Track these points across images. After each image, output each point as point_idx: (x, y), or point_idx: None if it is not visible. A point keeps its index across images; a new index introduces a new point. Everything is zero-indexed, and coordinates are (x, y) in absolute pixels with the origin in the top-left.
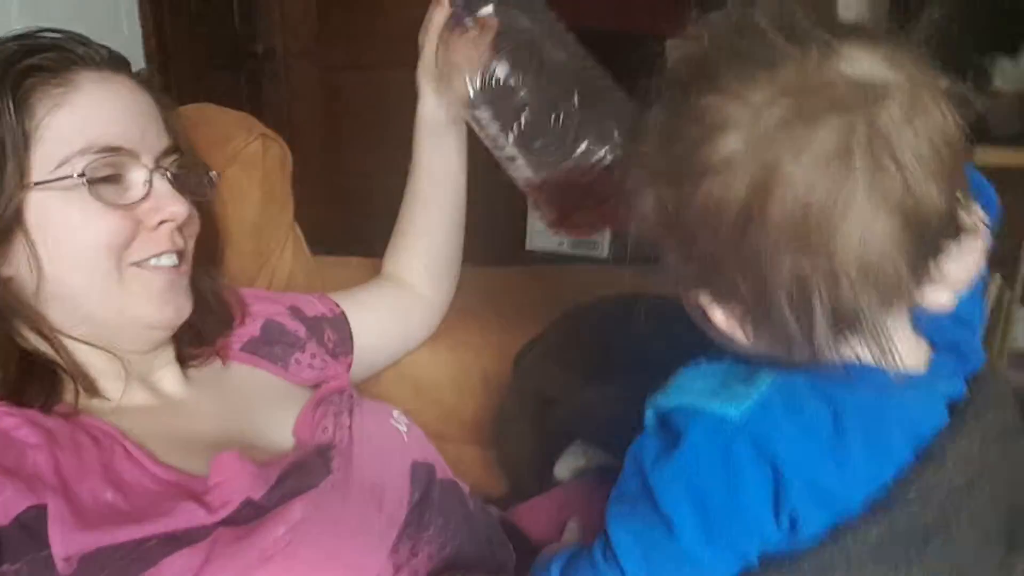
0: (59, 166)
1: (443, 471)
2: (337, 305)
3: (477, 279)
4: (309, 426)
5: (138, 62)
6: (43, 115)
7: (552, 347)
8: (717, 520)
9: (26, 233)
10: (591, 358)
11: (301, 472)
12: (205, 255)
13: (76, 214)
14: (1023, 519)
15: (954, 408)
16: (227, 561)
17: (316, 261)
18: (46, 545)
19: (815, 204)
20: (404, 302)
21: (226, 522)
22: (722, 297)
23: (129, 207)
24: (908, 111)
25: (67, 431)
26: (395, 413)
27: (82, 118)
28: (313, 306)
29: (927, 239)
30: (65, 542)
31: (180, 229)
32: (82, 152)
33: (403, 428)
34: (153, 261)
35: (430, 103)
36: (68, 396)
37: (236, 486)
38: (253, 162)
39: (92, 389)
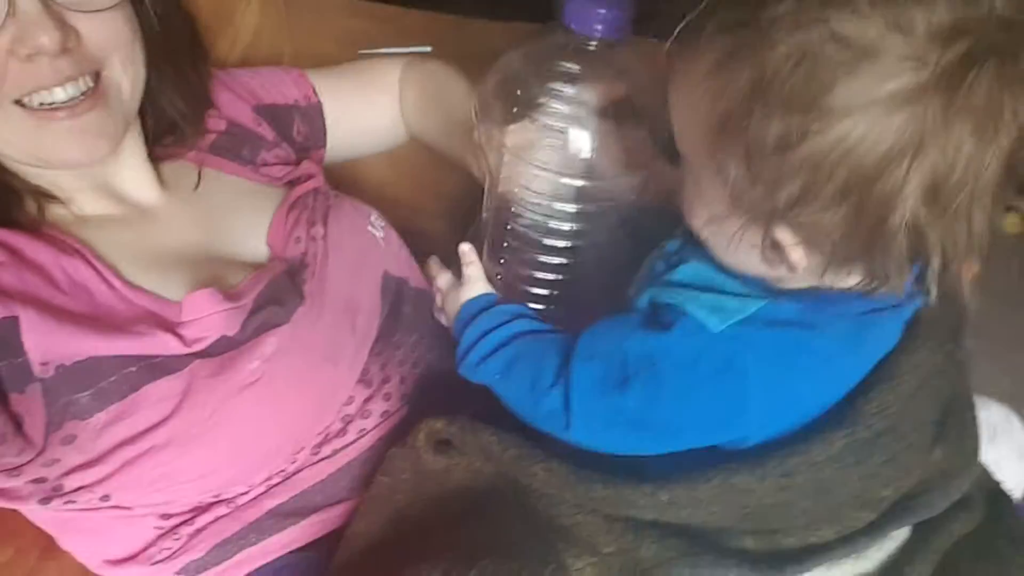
0: None
1: (418, 280)
2: (315, 92)
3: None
4: (282, 234)
5: None
6: None
7: None
8: (664, 407)
9: None
10: None
11: (273, 302)
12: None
13: None
14: (952, 413)
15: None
16: (207, 394)
17: (290, 11)
18: (22, 352)
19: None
20: (384, 98)
21: (201, 355)
22: (808, 233)
23: None
24: None
25: (32, 249)
26: (372, 217)
27: None
28: (284, 92)
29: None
30: (39, 346)
31: (70, 53)
32: None
33: (379, 233)
34: (39, 100)
35: None
36: (31, 208)
37: (210, 324)
38: None
39: (49, 201)
